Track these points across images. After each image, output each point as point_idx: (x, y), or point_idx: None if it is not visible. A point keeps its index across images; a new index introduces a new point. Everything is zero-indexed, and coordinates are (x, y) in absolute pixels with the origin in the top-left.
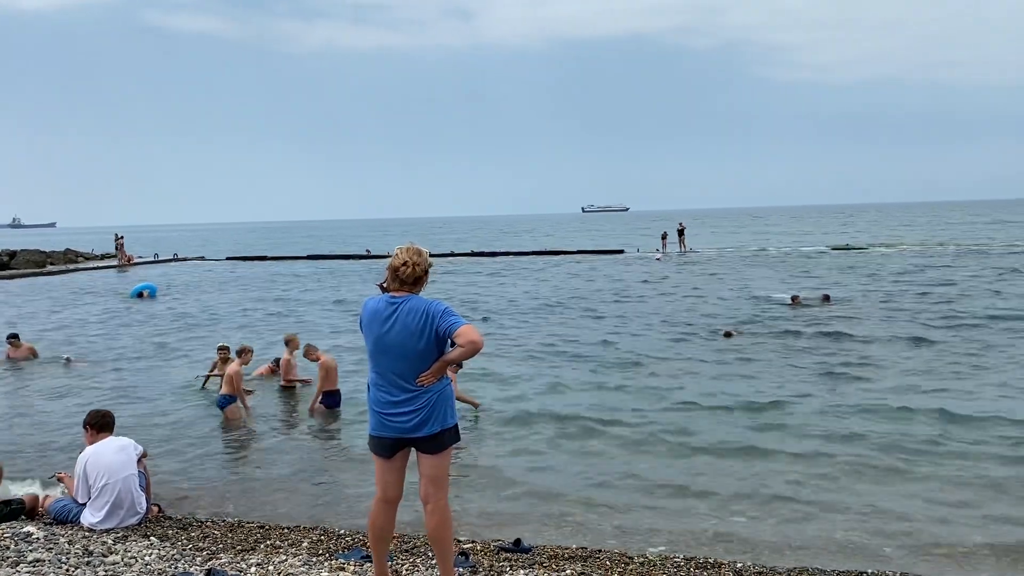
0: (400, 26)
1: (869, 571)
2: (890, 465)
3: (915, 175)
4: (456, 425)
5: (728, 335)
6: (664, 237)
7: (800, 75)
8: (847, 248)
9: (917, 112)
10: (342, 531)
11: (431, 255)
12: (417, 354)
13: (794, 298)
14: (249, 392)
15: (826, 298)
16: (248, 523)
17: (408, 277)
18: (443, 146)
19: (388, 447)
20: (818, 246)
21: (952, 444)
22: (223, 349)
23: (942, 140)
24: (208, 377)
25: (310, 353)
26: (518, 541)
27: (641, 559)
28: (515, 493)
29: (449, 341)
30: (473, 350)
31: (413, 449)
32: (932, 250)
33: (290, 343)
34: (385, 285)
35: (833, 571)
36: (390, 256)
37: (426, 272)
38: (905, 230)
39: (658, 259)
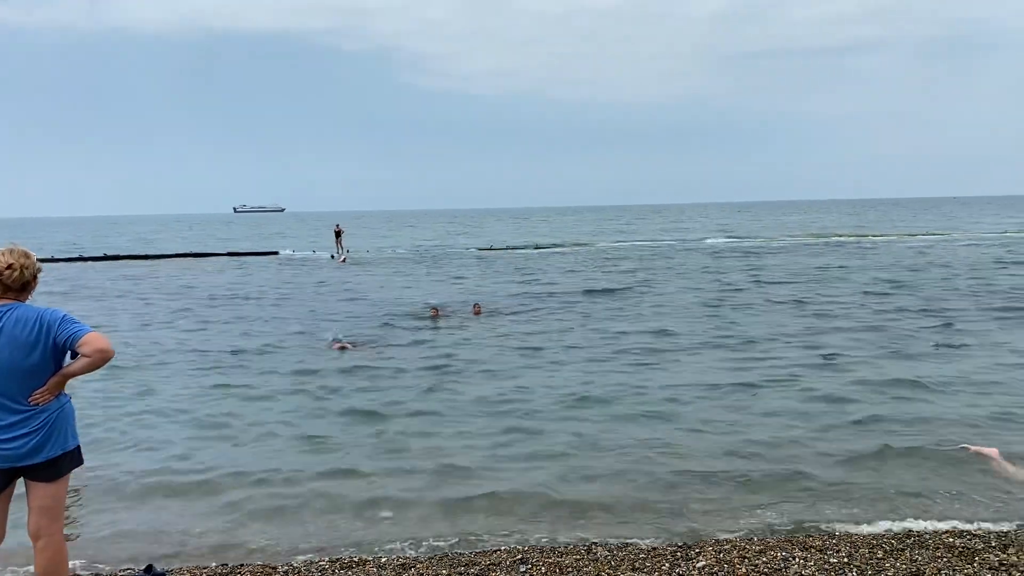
0: None
1: (512, 547)
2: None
3: (549, 182)
4: (79, 447)
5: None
6: (338, 236)
7: (445, 84)
8: (491, 248)
9: (546, 123)
10: None
11: (46, 259)
12: (29, 369)
13: (434, 309)
14: None
15: (476, 309)
16: None
17: (15, 282)
18: (65, 137)
19: None
20: (468, 247)
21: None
22: None
23: (570, 150)
24: None
25: None
26: (150, 567)
27: (286, 567)
28: (144, 513)
29: (69, 352)
30: (102, 359)
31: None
32: (581, 251)
33: None
34: None
35: (470, 553)
36: None
37: (35, 277)
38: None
39: (342, 260)
